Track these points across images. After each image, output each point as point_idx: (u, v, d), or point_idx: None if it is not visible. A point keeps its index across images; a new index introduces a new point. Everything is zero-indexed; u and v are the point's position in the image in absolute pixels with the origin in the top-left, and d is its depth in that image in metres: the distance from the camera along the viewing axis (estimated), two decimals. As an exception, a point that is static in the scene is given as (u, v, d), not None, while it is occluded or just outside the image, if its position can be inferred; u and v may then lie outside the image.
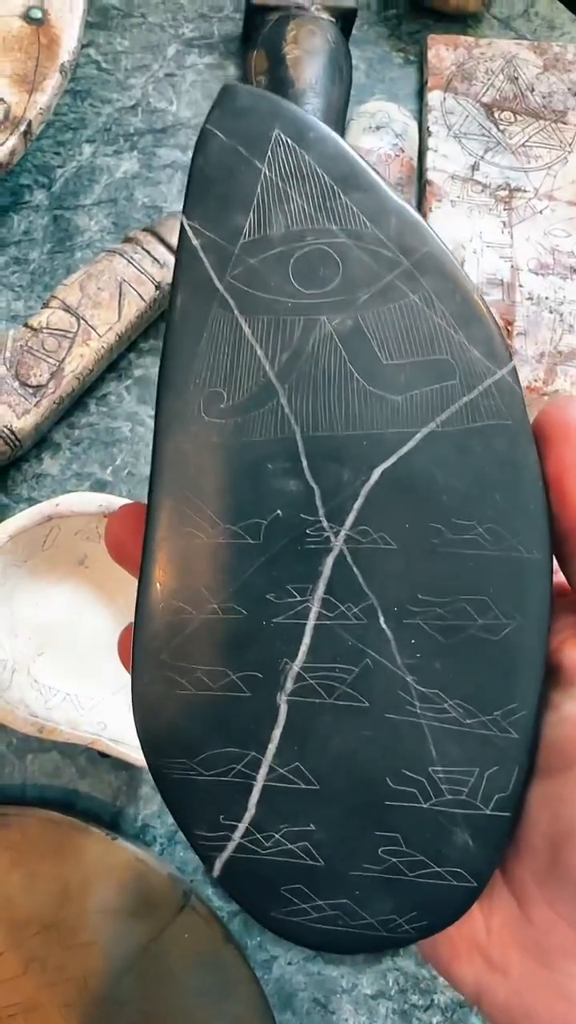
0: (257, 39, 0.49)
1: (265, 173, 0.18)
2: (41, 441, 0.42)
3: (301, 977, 0.36)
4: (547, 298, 0.44)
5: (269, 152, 0.18)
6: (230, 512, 0.18)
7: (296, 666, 0.18)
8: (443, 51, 0.51)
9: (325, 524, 0.18)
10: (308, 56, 0.47)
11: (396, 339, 0.18)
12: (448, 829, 0.18)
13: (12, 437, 0.38)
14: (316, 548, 0.18)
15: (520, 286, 0.45)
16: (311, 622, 0.18)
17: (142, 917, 0.34)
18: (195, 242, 0.18)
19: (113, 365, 0.43)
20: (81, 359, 0.39)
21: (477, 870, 0.18)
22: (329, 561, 0.18)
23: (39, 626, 0.36)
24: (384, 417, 0.18)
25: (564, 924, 0.18)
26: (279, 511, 0.18)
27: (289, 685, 0.18)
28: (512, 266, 0.45)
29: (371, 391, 0.18)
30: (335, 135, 0.19)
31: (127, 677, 0.36)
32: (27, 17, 0.41)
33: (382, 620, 0.18)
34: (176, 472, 0.18)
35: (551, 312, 0.44)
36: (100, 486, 0.42)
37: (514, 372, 0.18)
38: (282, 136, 0.18)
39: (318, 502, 0.18)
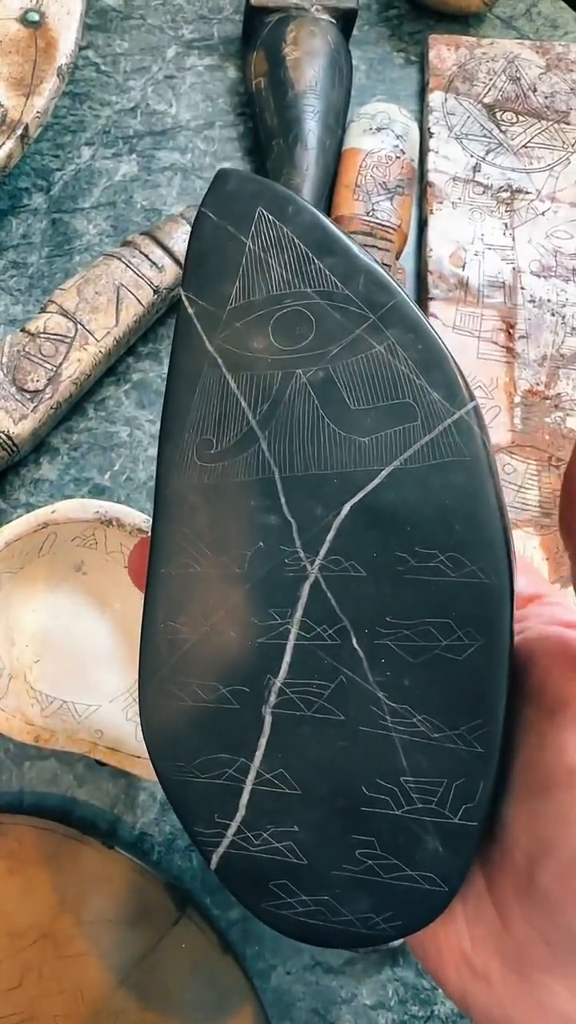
0: (257, 41, 0.49)
1: (249, 247, 0.21)
2: (39, 446, 0.42)
3: (300, 987, 0.36)
4: (549, 301, 0.44)
5: (253, 228, 0.21)
6: (219, 545, 0.20)
7: (279, 681, 0.20)
8: (444, 51, 0.51)
9: (302, 554, 0.20)
10: (308, 57, 0.47)
11: (363, 386, 0.20)
12: (419, 835, 0.19)
13: (9, 442, 0.38)
14: (294, 576, 0.20)
15: (522, 288, 0.44)
16: (291, 642, 0.20)
17: (139, 927, 0.33)
18: (190, 311, 0.21)
19: (111, 369, 0.43)
20: (79, 364, 0.39)
21: (447, 875, 0.19)
22: (306, 587, 0.20)
23: (36, 633, 0.36)
24: (352, 457, 0.20)
25: (540, 939, 0.18)
26: (261, 543, 0.20)
27: (272, 699, 0.20)
28: (514, 268, 0.45)
29: (341, 434, 0.20)
30: (312, 208, 0.21)
31: (124, 684, 0.36)
32: (24, 20, 0.41)
33: (354, 640, 0.19)
34: (173, 510, 0.21)
35: (553, 315, 0.44)
36: (98, 491, 0.41)
37: (473, 411, 0.20)
38: (264, 213, 0.21)
39: (295, 534, 0.20)
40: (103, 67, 0.50)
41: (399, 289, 0.20)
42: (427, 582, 0.19)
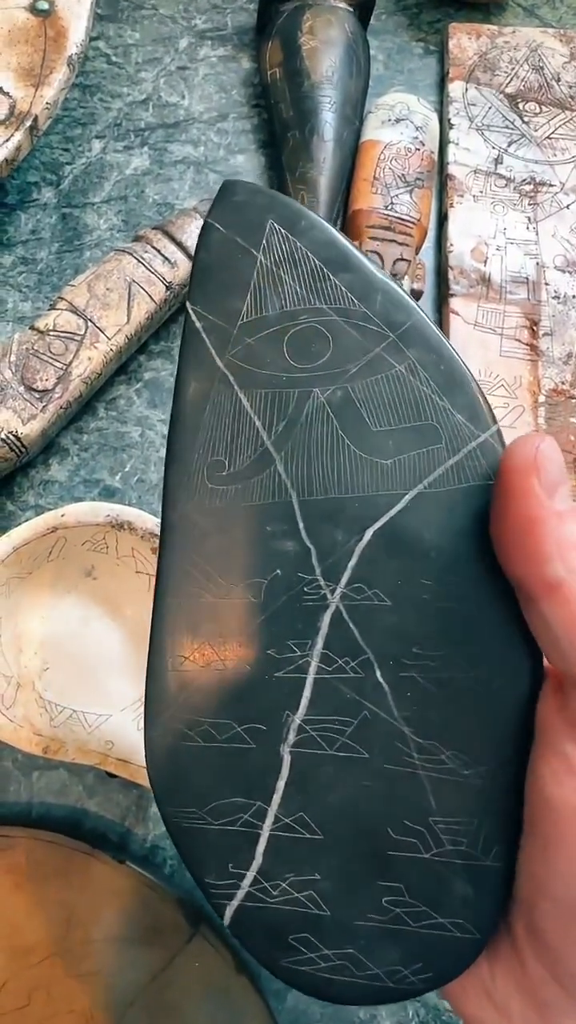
0: (272, 30, 0.47)
1: (261, 260, 0.20)
2: (48, 447, 0.40)
3: (317, 1008, 0.34)
4: (574, 296, 0.42)
5: (264, 241, 0.20)
6: (233, 572, 0.19)
7: (298, 718, 0.19)
8: (465, 40, 0.49)
9: (322, 582, 0.19)
10: (324, 47, 0.46)
11: (384, 407, 0.19)
12: (449, 879, 0.18)
13: (18, 443, 0.37)
14: (314, 605, 0.19)
15: (546, 284, 0.43)
16: (311, 676, 0.19)
17: (150, 945, 0.32)
18: (198, 324, 0.20)
19: (123, 368, 0.42)
20: (89, 362, 0.38)
21: (479, 921, 0.18)
22: (326, 617, 0.19)
23: (45, 640, 0.35)
24: (375, 480, 0.19)
25: (552, 980, 0.18)
26: (278, 570, 0.19)
27: (291, 737, 0.18)
28: (537, 263, 0.43)
29: (362, 456, 0.19)
30: (324, 223, 0.20)
31: (136, 693, 0.35)
32: (33, 8, 0.40)
33: (378, 673, 0.18)
34: (183, 535, 0.19)
35: (578, 311, 0.42)
36: (109, 493, 0.40)
37: (497, 434, 0.19)
38: (276, 226, 0.20)
39: (314, 561, 0.19)
40: (114, 58, 0.49)
41: (417, 308, 0.20)
42: (454, 610, 0.18)
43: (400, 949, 0.18)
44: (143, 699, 0.35)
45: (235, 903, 0.18)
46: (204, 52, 0.50)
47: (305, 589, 0.19)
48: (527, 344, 0.41)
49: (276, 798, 0.18)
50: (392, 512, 0.19)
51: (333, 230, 0.20)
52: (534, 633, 0.18)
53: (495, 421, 0.19)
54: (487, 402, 0.19)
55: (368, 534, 0.19)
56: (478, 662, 0.18)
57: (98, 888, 0.33)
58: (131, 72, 0.49)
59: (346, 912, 0.18)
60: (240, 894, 0.18)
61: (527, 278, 0.43)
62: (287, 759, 0.18)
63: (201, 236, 0.20)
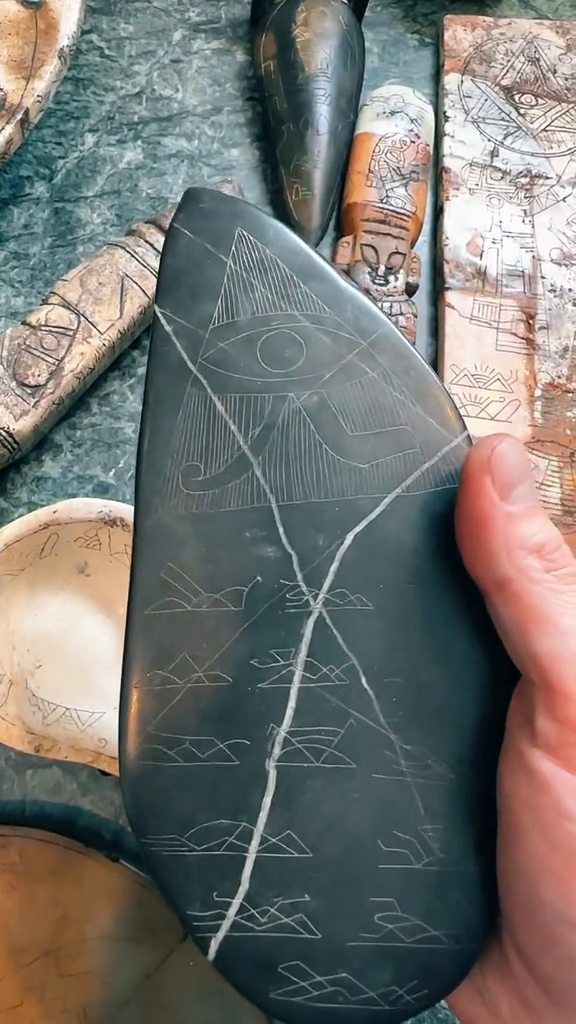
0: (266, 22, 0.47)
1: (230, 266, 0.20)
2: (41, 443, 0.40)
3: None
4: (571, 290, 0.42)
5: (233, 247, 0.20)
6: (211, 580, 0.19)
7: (283, 731, 0.18)
8: (460, 32, 0.49)
9: (304, 588, 0.18)
10: (319, 39, 0.45)
11: (360, 412, 0.19)
12: (442, 889, 0.18)
13: (10, 440, 0.36)
14: (296, 612, 0.18)
15: (542, 277, 0.42)
16: (295, 685, 0.18)
17: (144, 944, 0.32)
18: (167, 328, 0.20)
19: (116, 363, 0.41)
20: (81, 357, 0.37)
21: (473, 930, 0.18)
22: (310, 624, 0.18)
23: (38, 637, 0.35)
24: (353, 484, 0.19)
25: (535, 983, 0.17)
26: (259, 577, 0.18)
27: (277, 751, 0.18)
28: (534, 257, 0.43)
29: (340, 460, 0.19)
30: (292, 233, 0.20)
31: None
32: (24, 0, 0.39)
33: (364, 680, 0.18)
34: (157, 544, 0.19)
35: (575, 304, 0.42)
36: (103, 489, 0.40)
37: (468, 439, 0.19)
38: (244, 233, 0.20)
39: (296, 567, 0.18)
40: (107, 51, 0.49)
41: (385, 319, 0.20)
42: (433, 613, 0.18)
43: (394, 968, 0.17)
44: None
45: (220, 935, 0.17)
46: (198, 45, 0.49)
47: (287, 596, 0.18)
48: (523, 338, 0.41)
49: (262, 816, 0.17)
50: (372, 516, 0.19)
51: (301, 241, 0.20)
52: (497, 630, 0.18)
53: (465, 427, 0.20)
54: (456, 408, 0.20)
55: (349, 538, 0.18)
56: (456, 663, 0.18)
57: (92, 887, 0.32)
58: (124, 65, 0.49)
59: (338, 934, 0.17)
60: (226, 924, 0.17)
61: (523, 271, 0.43)
62: (272, 774, 0.18)
63: (168, 241, 0.20)
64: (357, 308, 0.20)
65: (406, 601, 0.18)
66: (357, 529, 0.18)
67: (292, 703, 0.18)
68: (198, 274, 0.20)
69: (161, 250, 0.39)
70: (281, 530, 0.19)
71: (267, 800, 0.18)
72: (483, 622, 0.18)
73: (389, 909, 0.17)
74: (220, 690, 0.18)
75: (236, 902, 0.17)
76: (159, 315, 0.20)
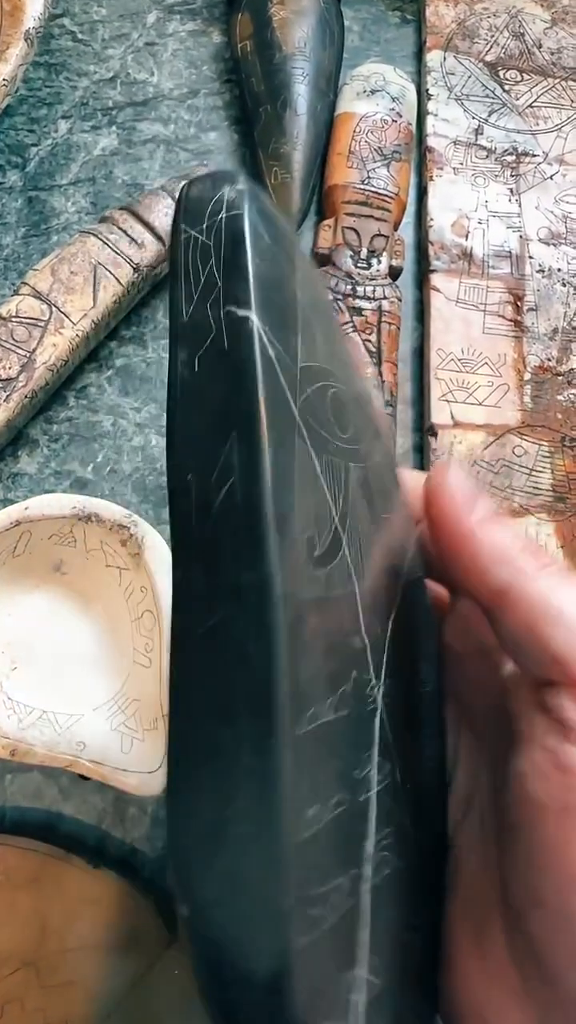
0: (242, 2, 0.46)
1: (299, 295, 0.16)
2: (16, 438, 0.39)
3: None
4: (560, 270, 0.41)
5: (299, 274, 0.16)
6: (332, 680, 0.15)
7: (369, 846, 0.15)
8: (442, 8, 0.48)
9: (374, 680, 0.16)
10: (296, 17, 0.44)
11: (378, 493, 0.18)
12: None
13: (-19, 435, 0.35)
14: (372, 708, 0.16)
15: (530, 258, 0.41)
16: (374, 790, 0.15)
17: (127, 953, 0.31)
18: (271, 352, 0.14)
19: (93, 355, 0.40)
20: (54, 349, 0.36)
21: None
22: (377, 721, 0.16)
23: (12, 639, 0.33)
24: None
25: (540, 983, 0.17)
26: (354, 671, 0.16)
27: (369, 871, 0.15)
28: (521, 236, 0.42)
29: (382, 540, 0.18)
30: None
31: (109, 692, 0.34)
32: (-12, -19, 0.38)
33: (398, 773, 0.17)
34: (294, 633, 0.14)
35: (564, 285, 0.41)
36: (81, 485, 0.39)
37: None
38: (303, 260, 0.18)
39: (368, 657, 0.16)
40: (80, 35, 0.47)
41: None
42: (426, 692, 0.18)
43: None
44: (117, 697, 0.33)
45: None
46: (173, 27, 0.48)
47: (366, 692, 0.16)
48: (511, 320, 0.40)
49: (362, 954, 0.14)
50: (399, 598, 0.18)
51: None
52: (504, 648, 0.18)
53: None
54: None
55: (389, 624, 0.17)
56: (425, 743, 0.18)
57: (73, 895, 0.31)
58: (98, 49, 0.47)
59: None
60: None
61: (510, 252, 0.41)
62: (367, 901, 0.15)
63: (251, 237, 0.15)
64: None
65: (415, 681, 0.18)
66: (393, 614, 0.17)
67: (374, 811, 0.15)
68: (281, 295, 0.15)
69: (135, 237, 0.38)
70: (361, 618, 0.16)
71: (365, 934, 0.14)
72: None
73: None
74: (340, 815, 0.14)
75: None
76: (260, 330, 0.14)
